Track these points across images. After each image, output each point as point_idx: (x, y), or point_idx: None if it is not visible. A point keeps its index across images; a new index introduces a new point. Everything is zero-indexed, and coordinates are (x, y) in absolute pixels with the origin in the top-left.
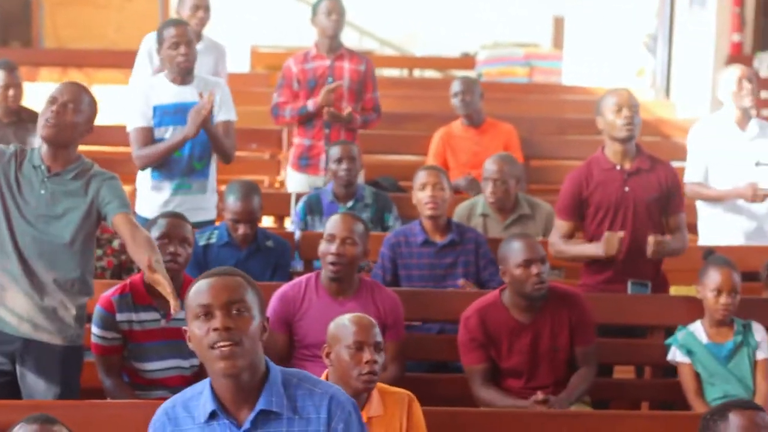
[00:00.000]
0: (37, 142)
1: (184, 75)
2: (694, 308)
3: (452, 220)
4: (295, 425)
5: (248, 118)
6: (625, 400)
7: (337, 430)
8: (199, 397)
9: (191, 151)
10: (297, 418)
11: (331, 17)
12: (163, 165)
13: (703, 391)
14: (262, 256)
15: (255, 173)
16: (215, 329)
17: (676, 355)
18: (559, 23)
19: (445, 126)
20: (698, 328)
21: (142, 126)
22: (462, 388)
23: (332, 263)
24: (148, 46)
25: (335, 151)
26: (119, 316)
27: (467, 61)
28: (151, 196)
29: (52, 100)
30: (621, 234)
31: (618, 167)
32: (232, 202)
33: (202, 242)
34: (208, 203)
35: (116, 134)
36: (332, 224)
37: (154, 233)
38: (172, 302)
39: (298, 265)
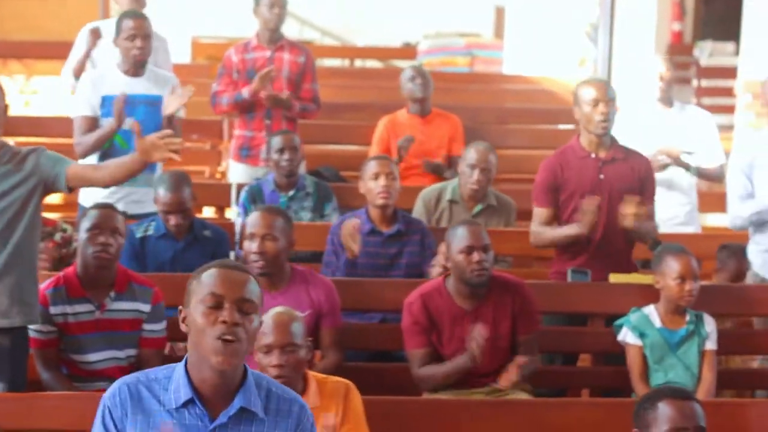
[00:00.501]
0: None
1: (137, 67)
2: (634, 296)
3: (399, 210)
4: (265, 426)
5: (189, 108)
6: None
7: None
8: (167, 383)
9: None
10: (268, 420)
11: (273, 10)
12: (108, 156)
13: (649, 375)
14: (200, 247)
15: (196, 164)
16: (224, 322)
17: (627, 336)
18: (500, 13)
19: (390, 114)
20: (652, 312)
21: (86, 115)
22: (404, 378)
23: (255, 261)
24: (84, 37)
25: (277, 141)
26: (53, 309)
27: (408, 50)
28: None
29: None
30: (597, 199)
31: (593, 155)
32: (162, 193)
33: (139, 234)
34: (150, 198)
35: (57, 125)
36: (251, 222)
37: (85, 224)
38: (176, 155)
39: (239, 255)
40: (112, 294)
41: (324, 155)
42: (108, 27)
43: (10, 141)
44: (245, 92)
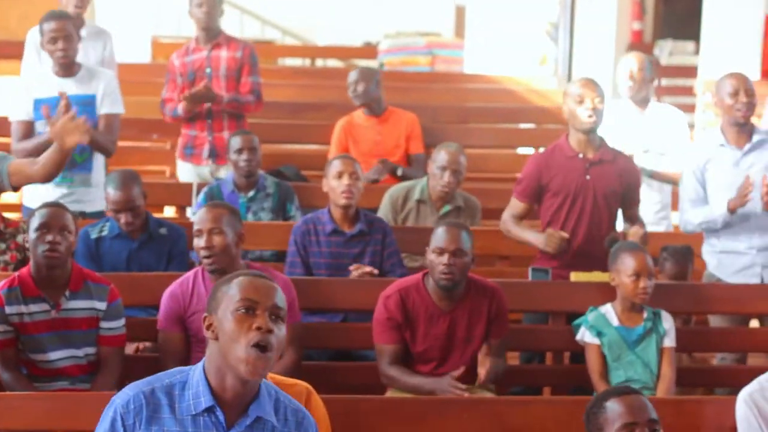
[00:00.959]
0: None
1: (65, 68)
2: (594, 294)
3: (361, 209)
4: None
5: (149, 108)
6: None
7: None
8: (182, 388)
9: None
10: (279, 428)
11: (202, 9)
12: None
13: (609, 373)
14: (156, 245)
15: (156, 163)
16: (258, 328)
17: (585, 335)
18: (460, 12)
19: (347, 115)
20: (609, 311)
21: (22, 119)
22: (366, 376)
23: (206, 257)
24: (34, 38)
25: (235, 141)
26: (8, 309)
27: (369, 50)
28: (36, 188)
29: None
30: (565, 235)
31: (581, 156)
32: (111, 192)
33: (94, 235)
34: (92, 196)
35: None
36: (197, 218)
37: (34, 224)
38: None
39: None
40: (67, 293)
41: (285, 155)
42: None
43: None
44: (180, 110)
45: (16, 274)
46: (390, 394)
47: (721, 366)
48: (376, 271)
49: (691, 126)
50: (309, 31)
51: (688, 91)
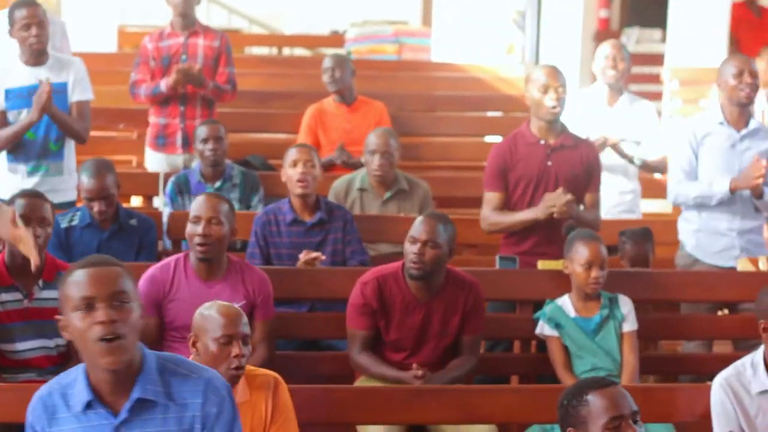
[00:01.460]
0: None
1: (36, 56)
2: (561, 282)
3: (321, 198)
4: (170, 411)
5: (115, 97)
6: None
7: (210, 414)
8: (73, 386)
9: (46, 132)
10: (173, 405)
11: None
12: (18, 147)
13: (572, 364)
14: (126, 236)
15: (123, 153)
16: (100, 322)
17: (544, 329)
18: (427, 1)
19: (317, 103)
20: (566, 302)
21: None
22: (332, 366)
23: (199, 244)
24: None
25: (201, 130)
26: None
27: (336, 38)
28: (7, 178)
29: None
30: (560, 190)
31: (542, 142)
32: (85, 180)
33: (64, 224)
34: (65, 185)
35: None
36: (197, 205)
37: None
38: (34, 258)
39: (167, 245)
40: (40, 282)
41: (252, 143)
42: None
43: None
44: (163, 85)
45: None
46: (359, 383)
47: (686, 353)
48: (323, 257)
49: (658, 114)
50: (276, 19)
51: (655, 78)
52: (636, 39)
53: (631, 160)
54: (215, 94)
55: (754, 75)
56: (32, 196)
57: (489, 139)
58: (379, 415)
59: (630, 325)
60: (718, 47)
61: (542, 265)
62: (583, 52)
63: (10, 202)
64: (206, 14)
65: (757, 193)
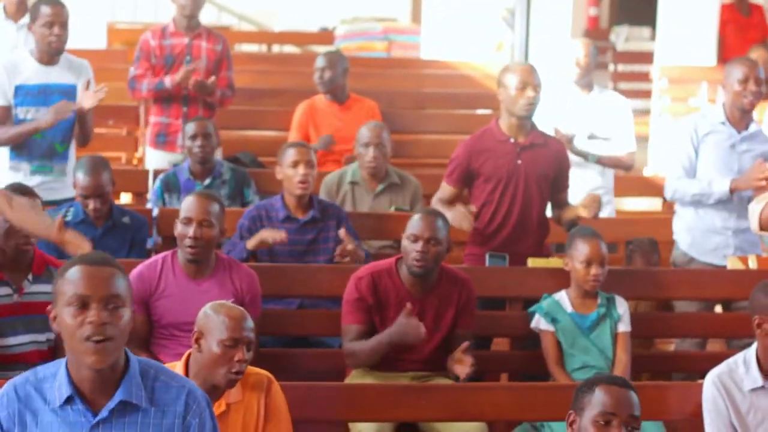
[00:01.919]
0: None
1: (52, 55)
2: (551, 280)
3: (314, 196)
4: (150, 416)
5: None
6: (489, 372)
7: (192, 425)
8: (53, 380)
9: (54, 133)
10: (153, 410)
11: None
12: (23, 146)
13: (564, 360)
14: (119, 233)
15: (112, 150)
16: (91, 323)
17: (539, 322)
18: None
19: (309, 99)
20: (563, 298)
21: (0, 105)
22: (321, 363)
23: (190, 246)
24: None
25: (190, 128)
26: None
27: (326, 36)
28: (8, 176)
29: None
30: (472, 209)
31: (512, 140)
32: (81, 177)
33: None
34: (65, 184)
35: None
36: (188, 206)
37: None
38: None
39: (157, 242)
40: (30, 277)
41: (242, 141)
42: None
43: None
44: (167, 82)
45: None
46: (349, 380)
47: (678, 352)
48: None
49: (647, 112)
50: (265, 16)
51: (644, 76)
52: (625, 37)
53: (585, 157)
54: (221, 101)
55: (759, 83)
56: (23, 193)
57: None
58: (369, 413)
59: (625, 326)
60: (708, 46)
61: (532, 262)
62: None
63: None
64: None
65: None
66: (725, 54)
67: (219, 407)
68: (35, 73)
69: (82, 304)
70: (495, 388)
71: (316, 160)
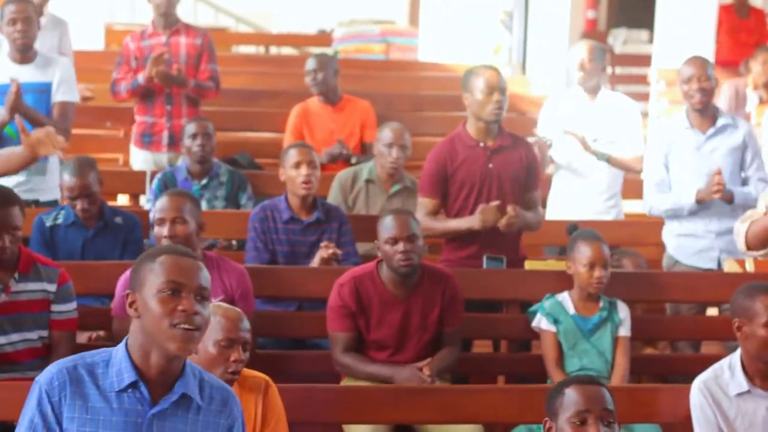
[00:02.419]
0: None
1: (22, 53)
2: (548, 283)
3: (318, 198)
4: (201, 413)
5: (102, 96)
6: (483, 374)
7: (235, 425)
8: (106, 366)
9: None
10: (205, 408)
11: None
12: None
13: (563, 361)
14: (111, 234)
15: (109, 151)
16: (184, 311)
17: (541, 322)
18: (414, 0)
19: (302, 102)
20: (566, 299)
21: None
22: (320, 365)
23: None
24: None
25: (190, 127)
26: None
27: (324, 38)
28: None
29: None
30: (497, 203)
31: (481, 144)
32: (67, 178)
33: (48, 223)
34: (47, 184)
35: None
36: (159, 207)
37: None
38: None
39: (153, 243)
40: (17, 275)
41: (239, 142)
42: None
43: None
44: (140, 78)
45: None
46: (345, 382)
47: (674, 354)
48: (339, 252)
49: (645, 115)
50: (263, 18)
51: (642, 79)
52: (623, 40)
53: (597, 156)
54: (197, 92)
55: (704, 80)
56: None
57: None
58: (365, 415)
59: (625, 331)
60: (706, 49)
61: (530, 265)
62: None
63: None
64: (193, 13)
65: (727, 199)
66: (716, 55)
67: None
68: (8, 73)
69: (175, 291)
70: (491, 390)
71: (318, 161)
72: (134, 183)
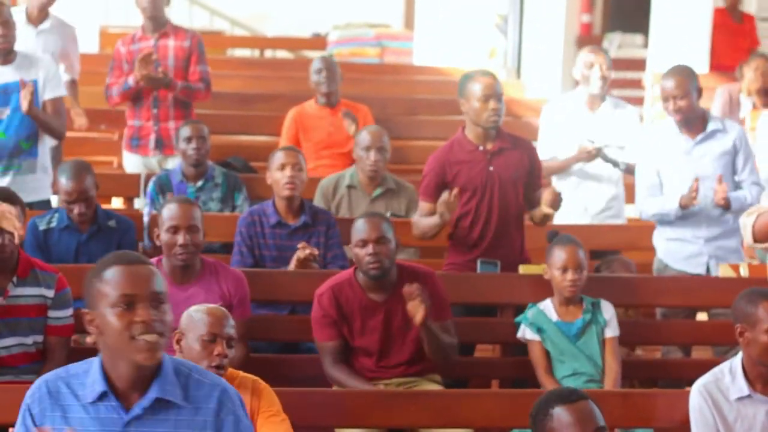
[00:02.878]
0: None
1: (4, 55)
2: (543, 287)
3: (306, 201)
4: (183, 413)
5: (97, 98)
6: (480, 378)
7: (227, 422)
8: (84, 377)
9: (17, 131)
10: (186, 407)
11: None
12: None
13: (553, 368)
14: (105, 237)
15: (103, 154)
16: (142, 321)
17: (525, 333)
18: (409, 4)
19: (298, 106)
20: (548, 306)
21: None
22: (312, 369)
23: (182, 253)
24: None
25: (184, 130)
26: None
27: (319, 41)
28: None
29: None
30: (455, 192)
31: (481, 148)
32: (64, 182)
33: (42, 226)
34: (39, 183)
35: None
36: (173, 214)
37: None
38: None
39: (147, 246)
40: (15, 279)
41: (234, 146)
42: None
43: None
44: (131, 80)
45: None
46: (337, 386)
47: (664, 359)
48: (316, 252)
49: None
50: (258, 21)
51: (637, 83)
52: (618, 44)
53: (615, 164)
54: (186, 94)
55: (679, 97)
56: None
57: None
58: (358, 419)
59: (612, 331)
60: (700, 53)
61: (524, 269)
62: (565, 57)
63: None
64: (188, 16)
65: (725, 206)
66: (713, 59)
67: None
68: None
69: (129, 304)
70: (485, 395)
71: (305, 164)
72: (128, 186)
